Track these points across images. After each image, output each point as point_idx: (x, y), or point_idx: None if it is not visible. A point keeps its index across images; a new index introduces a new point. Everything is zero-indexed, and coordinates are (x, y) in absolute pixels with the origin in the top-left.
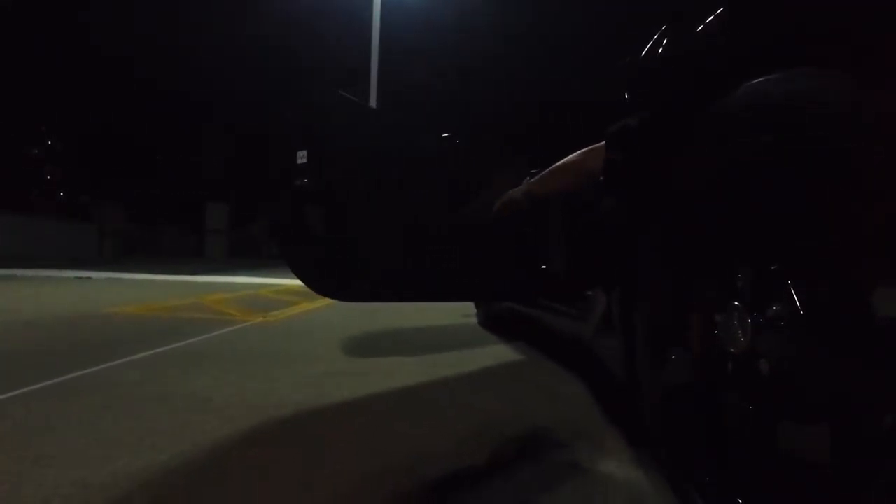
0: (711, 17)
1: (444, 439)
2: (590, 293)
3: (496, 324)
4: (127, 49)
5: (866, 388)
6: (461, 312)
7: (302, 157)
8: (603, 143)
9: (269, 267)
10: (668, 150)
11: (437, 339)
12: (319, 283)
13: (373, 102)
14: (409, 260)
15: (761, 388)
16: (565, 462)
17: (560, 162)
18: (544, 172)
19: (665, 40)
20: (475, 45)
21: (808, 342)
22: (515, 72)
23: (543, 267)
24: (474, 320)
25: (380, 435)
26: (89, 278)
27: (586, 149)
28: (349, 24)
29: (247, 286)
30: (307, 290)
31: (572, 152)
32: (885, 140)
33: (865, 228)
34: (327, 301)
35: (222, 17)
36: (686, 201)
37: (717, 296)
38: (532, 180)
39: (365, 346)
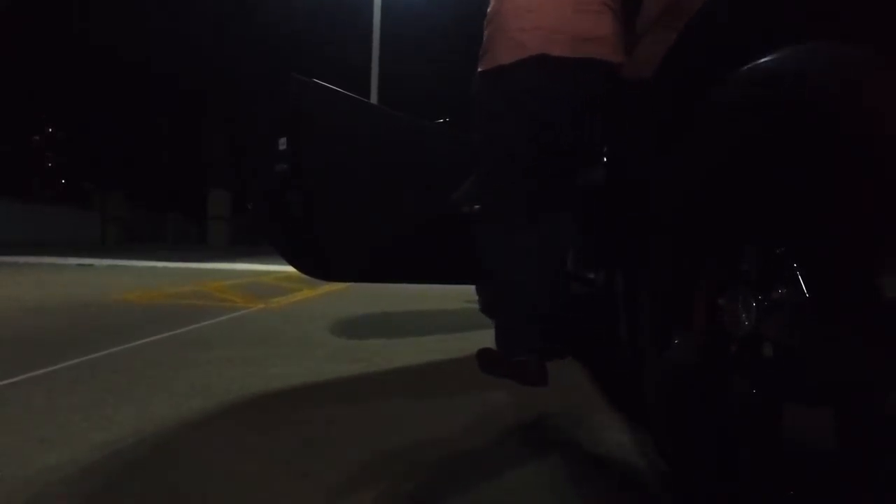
0: None
1: (444, 427)
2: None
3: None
4: (128, 37)
5: (872, 372)
6: (463, 298)
7: (282, 143)
8: None
9: (271, 254)
10: (671, 130)
11: (439, 325)
12: (301, 263)
13: (374, 99)
14: (387, 242)
15: (766, 372)
16: (567, 449)
17: None
18: None
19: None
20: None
21: (814, 324)
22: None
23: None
24: (476, 306)
25: (379, 422)
26: (91, 266)
27: None
28: (351, 18)
29: (248, 273)
30: (309, 276)
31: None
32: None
33: (874, 210)
34: (329, 287)
35: (225, 6)
36: (689, 183)
37: (723, 278)
38: None
39: (365, 331)
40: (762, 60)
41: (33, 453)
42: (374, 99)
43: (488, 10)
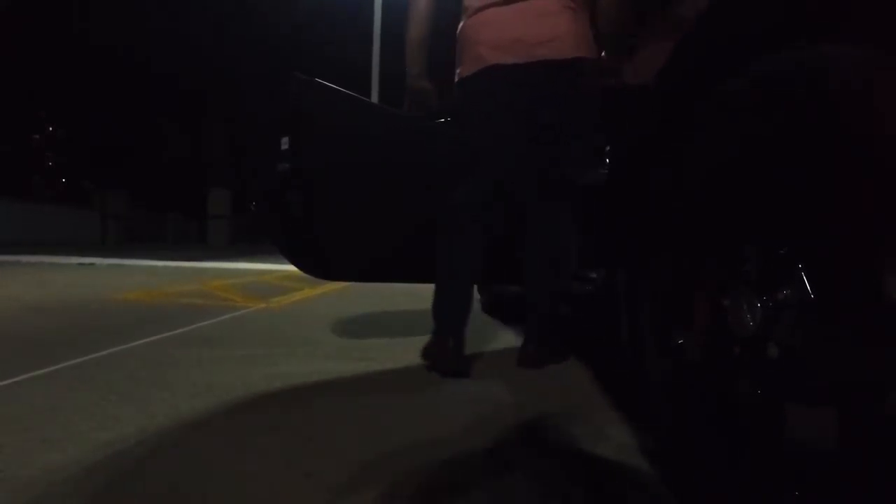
0: None
1: (446, 426)
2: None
3: (499, 308)
4: (128, 37)
5: (872, 372)
6: None
7: (284, 143)
8: None
9: (271, 252)
10: (675, 129)
11: None
12: (302, 262)
13: (375, 98)
14: (388, 242)
15: (766, 372)
16: (567, 449)
17: None
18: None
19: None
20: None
21: (814, 325)
22: None
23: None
24: (477, 305)
25: (380, 421)
26: (92, 265)
27: None
28: (351, 18)
29: (249, 272)
30: (309, 275)
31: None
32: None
33: (874, 210)
34: (330, 286)
35: (225, 6)
36: (693, 182)
37: (722, 278)
38: None
39: (366, 331)
40: (763, 60)
41: (35, 453)
42: (374, 98)
43: (458, 28)
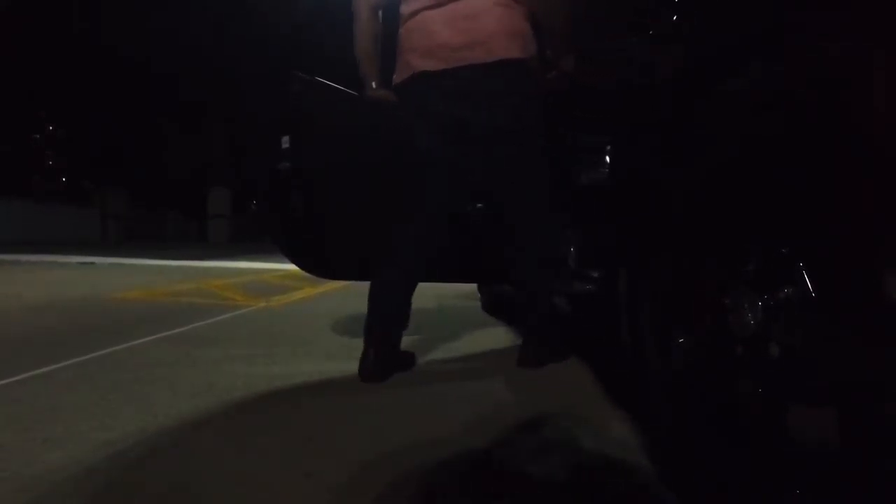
0: None
1: (444, 426)
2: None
3: (499, 308)
4: (129, 37)
5: (875, 372)
6: (464, 297)
7: (285, 142)
8: None
9: (271, 251)
10: (675, 129)
11: (440, 323)
12: (303, 261)
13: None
14: (388, 241)
15: (767, 372)
16: (568, 449)
17: None
18: None
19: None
20: None
21: (814, 325)
22: None
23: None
24: (478, 304)
25: (380, 421)
26: (93, 264)
27: None
28: (352, 17)
29: (249, 271)
30: (310, 275)
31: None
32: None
33: (874, 210)
34: (332, 285)
35: (225, 6)
36: (694, 182)
37: (723, 278)
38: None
39: None
40: (763, 60)
41: (36, 452)
42: None
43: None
